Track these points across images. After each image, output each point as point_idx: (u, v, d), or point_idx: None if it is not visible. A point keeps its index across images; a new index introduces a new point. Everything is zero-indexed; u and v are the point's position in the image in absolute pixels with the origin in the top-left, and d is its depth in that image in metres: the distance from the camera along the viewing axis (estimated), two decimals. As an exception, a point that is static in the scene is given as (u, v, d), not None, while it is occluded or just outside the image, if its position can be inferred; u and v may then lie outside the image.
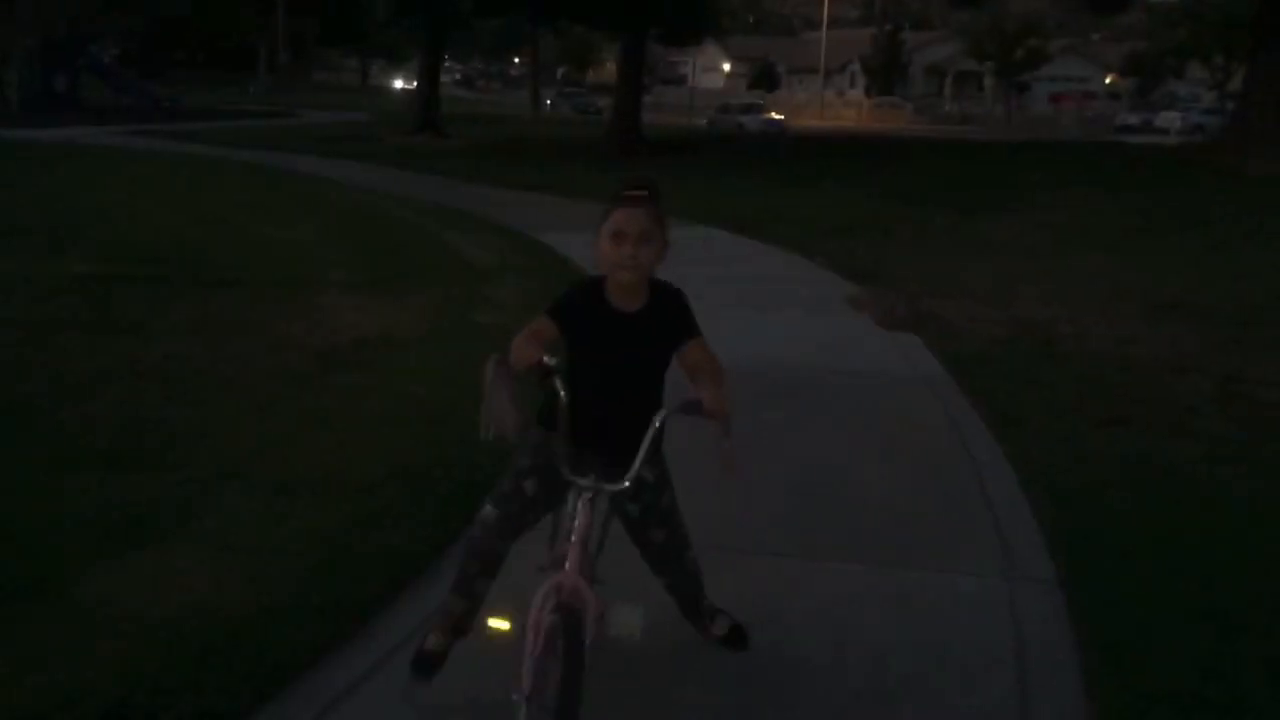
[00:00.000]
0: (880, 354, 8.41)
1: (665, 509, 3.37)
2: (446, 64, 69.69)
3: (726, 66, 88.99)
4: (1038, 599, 4.31)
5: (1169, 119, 52.92)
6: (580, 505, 2.96)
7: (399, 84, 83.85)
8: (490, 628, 3.24)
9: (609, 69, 64.83)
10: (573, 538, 2.94)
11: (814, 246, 13.25)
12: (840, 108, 72.62)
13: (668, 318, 3.17)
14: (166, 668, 3.53)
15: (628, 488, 2.97)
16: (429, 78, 39.81)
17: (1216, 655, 3.82)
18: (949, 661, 3.79)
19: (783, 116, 53.05)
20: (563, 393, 2.87)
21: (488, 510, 3.26)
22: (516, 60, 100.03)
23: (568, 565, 2.94)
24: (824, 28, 75.94)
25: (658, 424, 2.97)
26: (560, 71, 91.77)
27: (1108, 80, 75.93)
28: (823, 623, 4.00)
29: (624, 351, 3.12)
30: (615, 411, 3.08)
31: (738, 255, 13.00)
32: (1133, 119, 56.47)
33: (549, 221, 14.86)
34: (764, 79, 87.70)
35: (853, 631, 3.92)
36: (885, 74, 75.18)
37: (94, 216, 14.39)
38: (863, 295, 10.55)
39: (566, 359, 2.97)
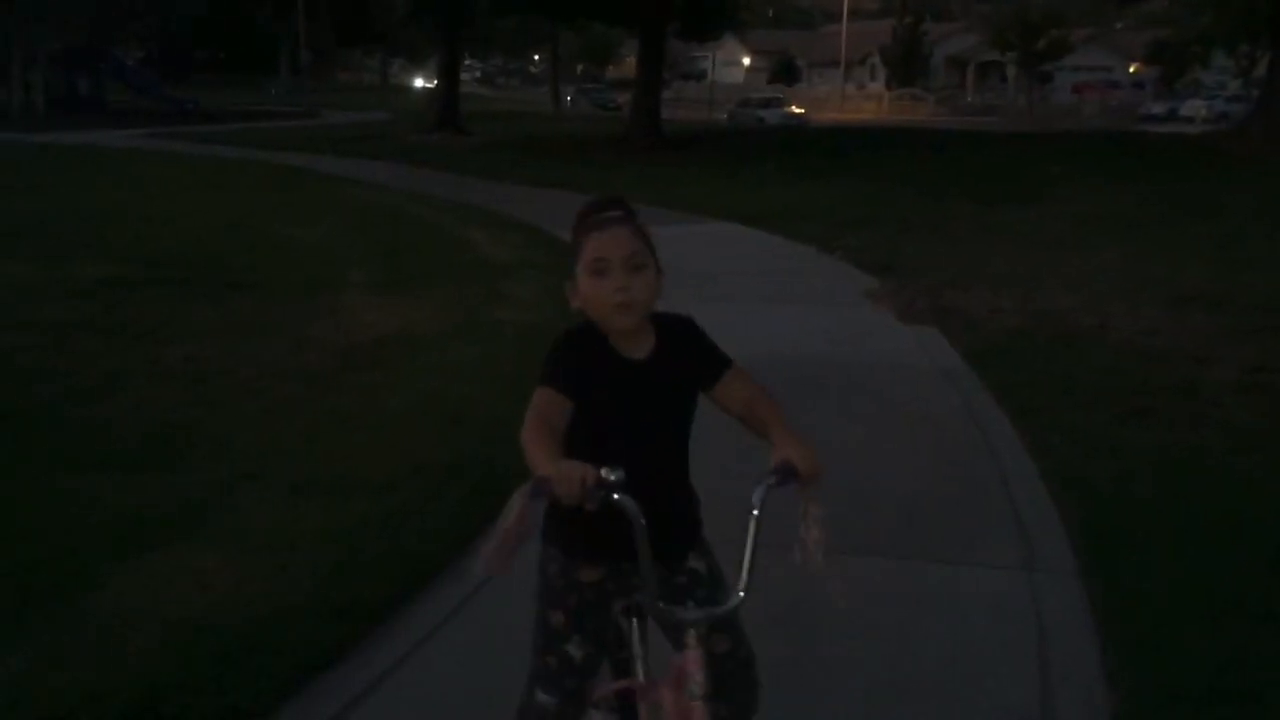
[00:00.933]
0: (899, 347, 8.38)
1: (728, 610, 2.30)
2: (466, 62, 69.72)
3: (746, 60, 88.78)
4: (1059, 591, 4.29)
5: (1194, 107, 52.37)
6: (694, 644, 2.18)
7: (419, 83, 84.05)
8: None
9: (629, 64, 64.73)
10: (692, 687, 2.16)
11: (833, 239, 13.21)
12: (861, 101, 72.34)
13: (687, 357, 2.46)
14: (188, 667, 3.56)
15: (740, 601, 2.23)
16: (448, 76, 39.90)
17: (1240, 648, 3.79)
18: (970, 655, 3.78)
19: (803, 110, 52.89)
20: (636, 515, 2.11)
21: (541, 699, 2.50)
22: (536, 57, 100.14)
23: None
24: (844, 20, 75.65)
25: (757, 509, 2.20)
26: (580, 68, 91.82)
27: (1131, 69, 75.34)
28: (843, 617, 3.99)
29: (647, 411, 2.40)
30: (648, 489, 2.16)
31: (755, 250, 12.99)
32: (1157, 108, 55.95)
33: (568, 218, 14.79)
34: (784, 73, 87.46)
35: (873, 626, 3.91)
36: (906, 66, 74.77)
37: (113, 219, 14.49)
38: (882, 288, 10.51)
39: (567, 433, 2.25)
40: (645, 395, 2.40)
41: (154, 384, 6.84)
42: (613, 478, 2.05)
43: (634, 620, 2.48)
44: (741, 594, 2.20)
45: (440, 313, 9.18)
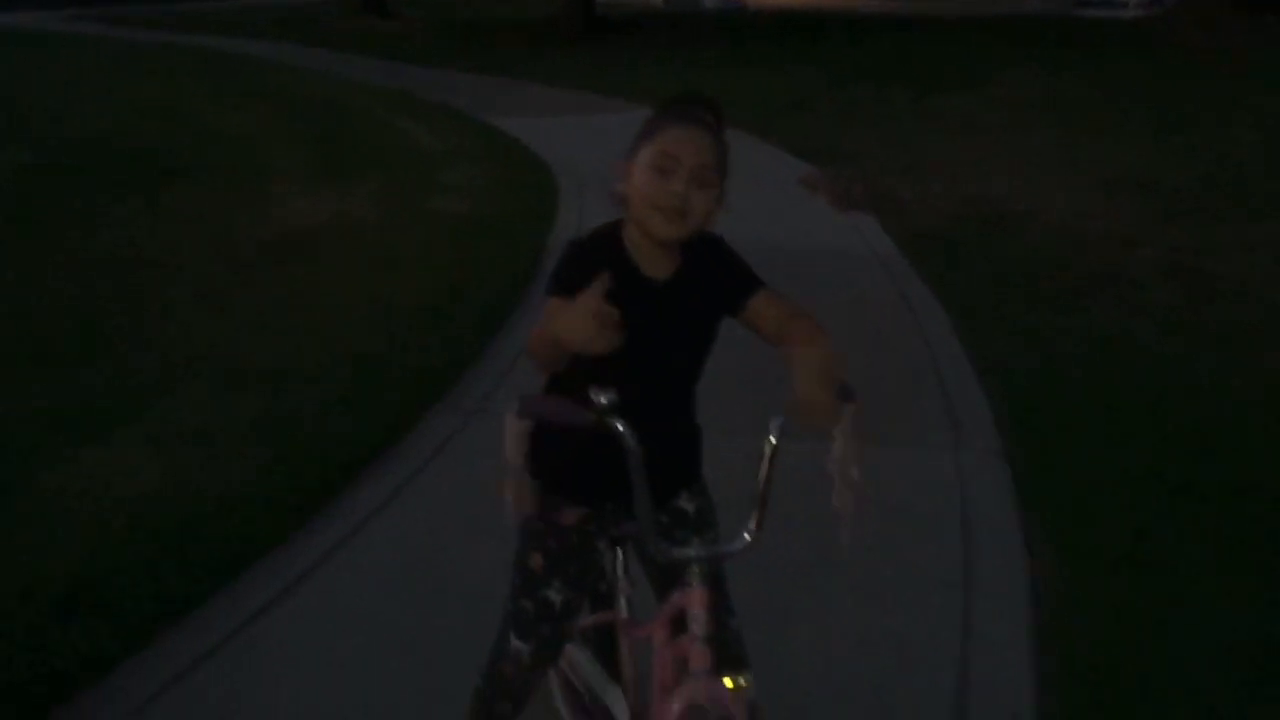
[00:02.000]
0: (835, 234, 8.41)
1: (734, 550, 2.12)
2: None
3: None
4: (984, 469, 4.41)
5: (1129, -8, 52.27)
6: (697, 582, 2.02)
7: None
8: None
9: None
10: (694, 628, 2.01)
11: (769, 126, 13.13)
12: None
13: (712, 281, 2.17)
14: (123, 555, 3.56)
15: (748, 543, 2.05)
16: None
17: (1157, 518, 3.93)
18: (896, 531, 3.88)
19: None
20: (631, 441, 1.89)
21: (515, 645, 2.29)
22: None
23: (696, 665, 1.99)
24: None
25: (774, 438, 2.03)
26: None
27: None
28: (774, 496, 4.06)
29: (660, 336, 2.10)
30: (647, 417, 1.96)
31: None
32: (1093, -7, 55.76)
33: (501, 105, 14.63)
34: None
35: (799, 505, 3.98)
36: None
37: (32, 105, 14.00)
38: (818, 175, 10.50)
39: (570, 357, 1.93)
40: (660, 320, 2.11)
41: (80, 275, 6.70)
42: (603, 399, 1.86)
43: (617, 551, 2.34)
44: (749, 536, 2.03)
45: (373, 202, 9.04)
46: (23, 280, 6.55)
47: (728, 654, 2.22)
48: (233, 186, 9.42)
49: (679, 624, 2.07)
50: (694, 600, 2.00)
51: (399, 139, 12.46)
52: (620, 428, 1.87)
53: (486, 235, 7.92)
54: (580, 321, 1.82)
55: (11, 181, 9.25)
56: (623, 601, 2.38)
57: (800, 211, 9.02)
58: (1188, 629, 3.24)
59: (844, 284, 6.98)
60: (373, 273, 6.91)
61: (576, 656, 2.51)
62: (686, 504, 2.31)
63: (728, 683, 2.01)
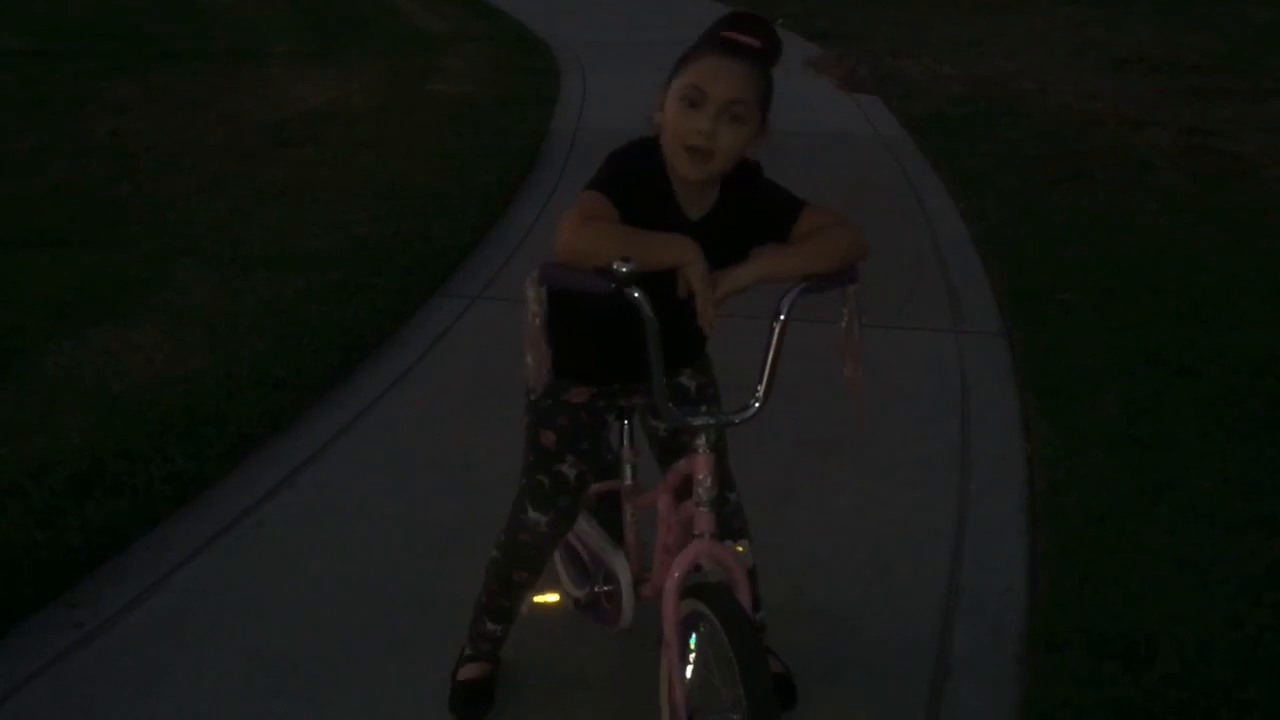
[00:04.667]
0: (840, 116, 8.33)
1: (743, 418, 2.12)
2: None
3: None
4: (984, 351, 4.43)
5: None
6: (704, 449, 2.05)
7: None
8: (536, 603, 2.65)
9: None
10: (700, 491, 2.05)
11: (772, 6, 12.86)
12: None
13: (751, 217, 2.11)
14: (132, 436, 3.60)
15: (755, 412, 2.08)
16: None
17: (1153, 398, 3.96)
18: (895, 412, 3.92)
19: None
20: (648, 309, 1.89)
21: (534, 517, 2.34)
22: None
23: (700, 528, 2.06)
24: None
25: (784, 314, 2.04)
26: None
27: None
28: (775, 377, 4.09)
29: (668, 272, 1.97)
30: (664, 300, 1.93)
31: (695, 16, 12.57)
32: None
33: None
34: None
35: (800, 386, 4.01)
36: None
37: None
38: (823, 56, 10.33)
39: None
40: None
41: (79, 159, 6.66)
42: (623, 269, 1.84)
43: (624, 422, 2.41)
44: (756, 404, 2.06)
45: (372, 85, 8.92)
46: (23, 165, 6.51)
47: (728, 527, 2.29)
48: (231, 70, 9.30)
49: (683, 491, 2.13)
50: (700, 465, 2.05)
51: (400, 20, 12.25)
52: (637, 295, 1.87)
53: (488, 118, 7.83)
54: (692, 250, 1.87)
55: (9, 66, 9.12)
56: (628, 470, 2.46)
57: (805, 93, 8.90)
58: (1182, 505, 3.29)
59: (847, 167, 6.93)
60: (374, 157, 6.86)
61: (581, 523, 2.59)
62: (688, 381, 2.35)
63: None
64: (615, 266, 1.84)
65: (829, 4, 13.21)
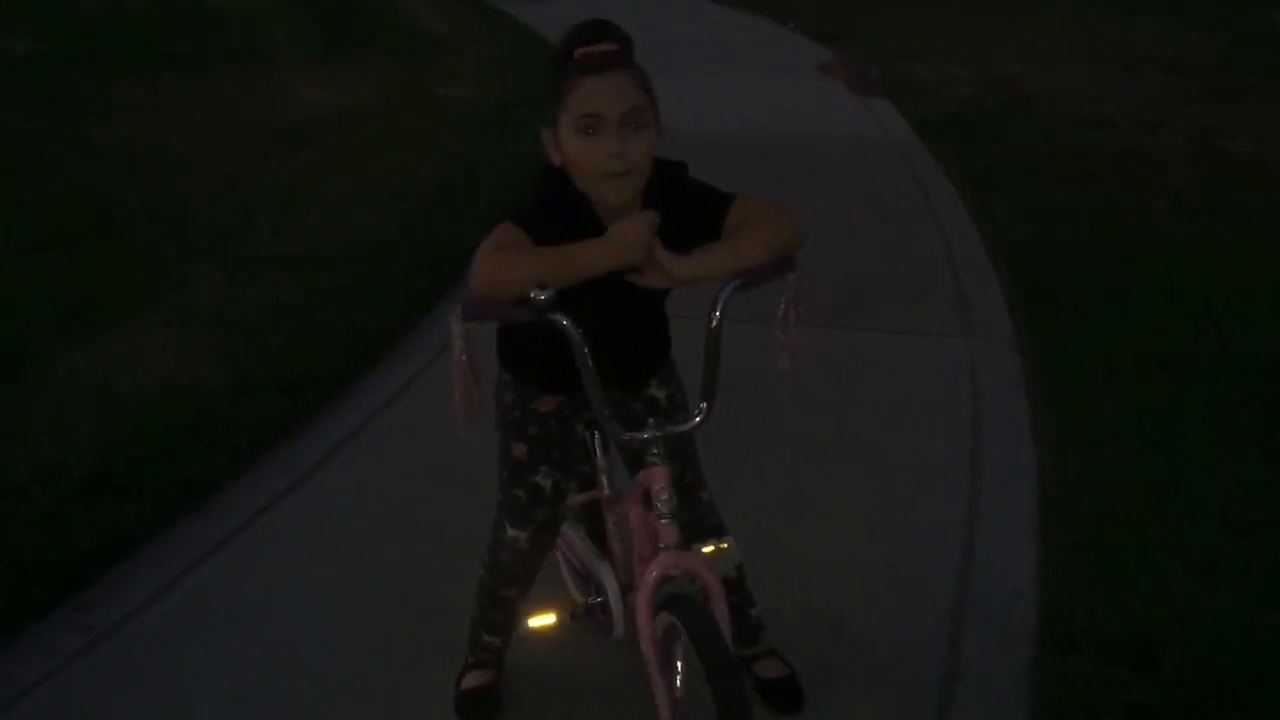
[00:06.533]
0: (851, 119, 8.32)
1: (686, 429, 2.12)
2: None
3: None
4: (994, 355, 4.41)
5: None
6: (660, 462, 2.04)
7: None
8: (533, 628, 2.59)
9: None
10: (659, 504, 2.04)
11: (784, 9, 12.86)
12: None
13: (679, 217, 1.99)
14: (141, 440, 3.61)
15: (697, 421, 2.08)
16: None
17: (1160, 399, 3.94)
18: (906, 417, 3.91)
19: None
20: (574, 334, 1.88)
21: (511, 534, 2.33)
22: None
23: (663, 539, 2.05)
24: None
25: (719, 312, 2.00)
26: None
27: None
28: (787, 381, 4.08)
29: (621, 285, 1.96)
30: (614, 318, 2.02)
31: (706, 22, 12.62)
32: None
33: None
34: None
35: (813, 392, 4.01)
36: None
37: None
38: (834, 59, 10.33)
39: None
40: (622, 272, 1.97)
41: (88, 162, 6.68)
42: (541, 297, 1.81)
43: (595, 433, 2.38)
44: (698, 415, 2.06)
45: (379, 88, 8.94)
46: (32, 168, 6.54)
47: (703, 525, 2.31)
48: (240, 73, 9.32)
49: (649, 501, 2.12)
50: (655, 478, 2.05)
51: (407, 22, 12.27)
52: (564, 322, 1.85)
53: (495, 120, 7.83)
54: (639, 234, 1.84)
55: (18, 70, 9.15)
56: (604, 480, 2.44)
57: (816, 97, 8.89)
58: (1193, 507, 3.27)
59: (858, 170, 6.92)
60: (382, 159, 6.86)
61: (570, 534, 2.60)
62: (658, 391, 2.31)
63: (708, 549, 2.06)
64: (534, 295, 1.81)
65: (839, 7, 13.20)
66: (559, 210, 1.97)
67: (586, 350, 1.90)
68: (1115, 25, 11.61)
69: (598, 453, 2.42)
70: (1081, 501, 3.31)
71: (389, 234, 5.54)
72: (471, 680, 2.56)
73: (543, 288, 1.81)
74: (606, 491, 2.44)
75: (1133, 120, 7.91)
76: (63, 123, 7.55)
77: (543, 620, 2.57)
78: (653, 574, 2.03)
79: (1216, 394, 3.97)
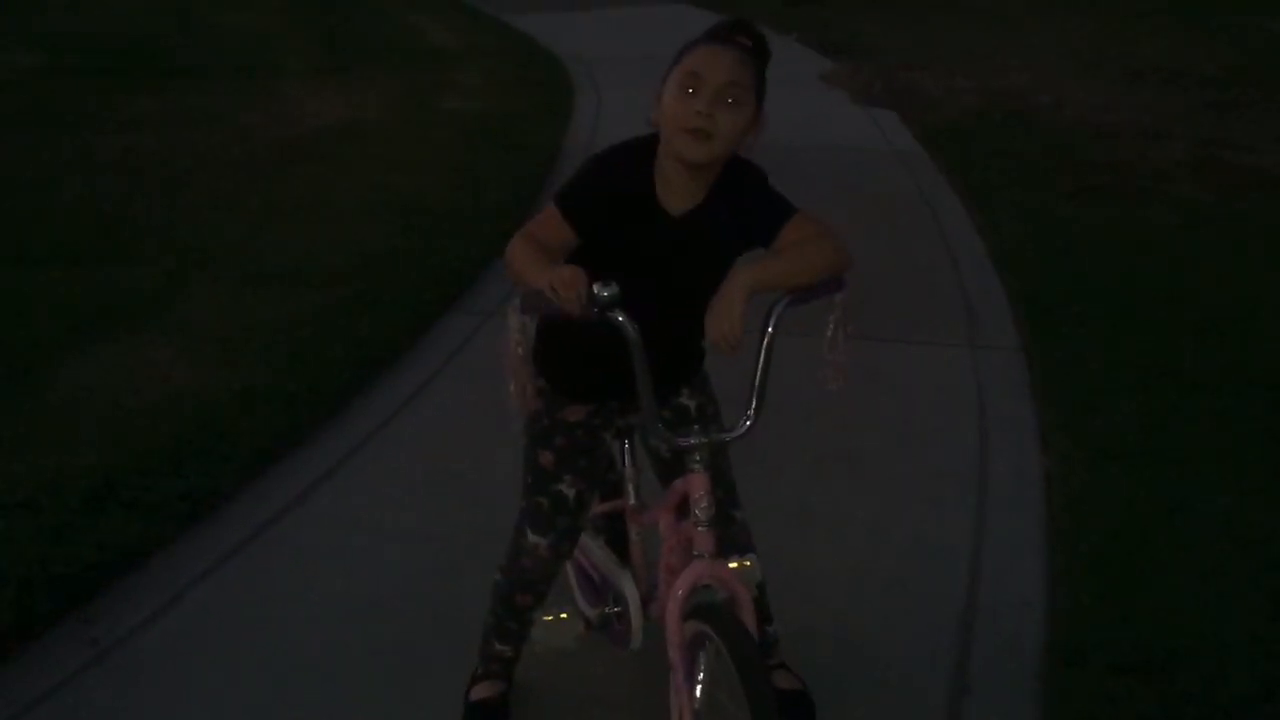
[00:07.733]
0: (855, 130, 8.32)
1: (734, 436, 2.11)
2: None
3: None
4: (1000, 365, 4.41)
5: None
6: (700, 469, 2.05)
7: None
8: (546, 622, 2.47)
9: None
10: (697, 512, 2.04)
11: (785, 21, 12.86)
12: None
13: (739, 215, 2.07)
14: (146, 453, 3.60)
15: (746, 429, 2.06)
16: None
17: (1167, 412, 3.93)
18: (913, 428, 3.90)
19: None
20: (632, 332, 1.88)
21: (534, 540, 2.33)
22: None
23: (700, 547, 2.04)
24: None
25: (772, 326, 2.00)
26: None
27: None
28: (790, 394, 4.07)
29: (669, 270, 2.06)
30: (654, 322, 1.95)
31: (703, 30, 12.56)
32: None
33: (517, 3, 14.37)
34: None
35: (819, 402, 3.98)
36: None
37: (38, 6, 13.82)
38: (838, 70, 10.34)
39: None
40: (670, 255, 2.05)
41: (93, 176, 6.69)
42: (605, 294, 1.81)
43: (624, 442, 2.39)
44: (748, 422, 2.04)
45: (386, 101, 8.95)
46: (37, 182, 6.55)
47: (733, 543, 2.28)
48: (245, 86, 9.34)
49: (683, 509, 2.12)
50: (696, 485, 2.04)
51: (413, 36, 12.29)
52: (621, 319, 1.87)
53: (501, 134, 7.84)
54: (568, 287, 1.80)
55: (23, 83, 9.18)
56: (630, 489, 2.43)
57: (821, 107, 8.90)
58: (1200, 520, 3.27)
59: (863, 181, 6.92)
60: (388, 173, 6.87)
61: (589, 543, 2.58)
62: (688, 400, 2.32)
63: (732, 564, 2.07)
64: (597, 291, 1.81)
65: (843, 18, 13.22)
66: (613, 177, 2.04)
67: (643, 350, 1.91)
68: (1118, 37, 11.62)
69: (626, 462, 2.42)
70: (1089, 514, 3.31)
71: (395, 248, 5.54)
72: (480, 691, 2.55)
73: (605, 284, 1.82)
74: (633, 501, 2.44)
75: (1136, 131, 7.91)
76: (67, 136, 7.56)
77: (555, 618, 2.50)
78: (687, 580, 2.04)
79: (1223, 406, 3.97)
